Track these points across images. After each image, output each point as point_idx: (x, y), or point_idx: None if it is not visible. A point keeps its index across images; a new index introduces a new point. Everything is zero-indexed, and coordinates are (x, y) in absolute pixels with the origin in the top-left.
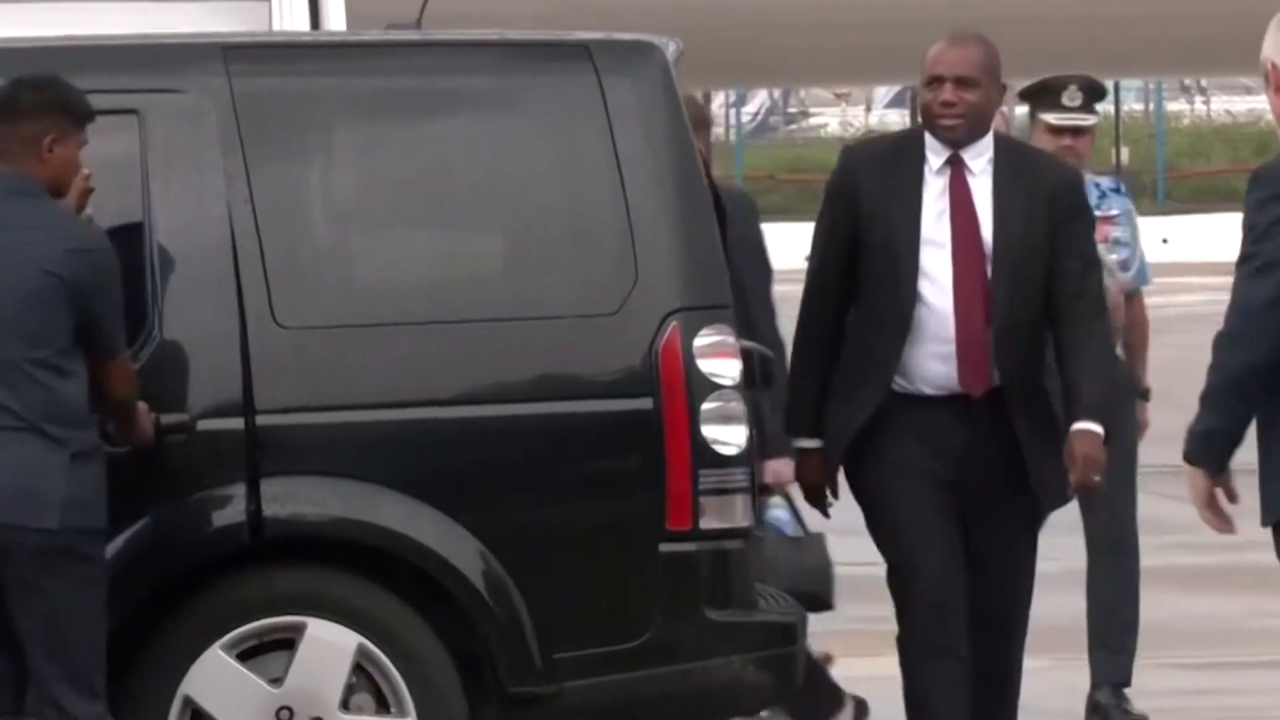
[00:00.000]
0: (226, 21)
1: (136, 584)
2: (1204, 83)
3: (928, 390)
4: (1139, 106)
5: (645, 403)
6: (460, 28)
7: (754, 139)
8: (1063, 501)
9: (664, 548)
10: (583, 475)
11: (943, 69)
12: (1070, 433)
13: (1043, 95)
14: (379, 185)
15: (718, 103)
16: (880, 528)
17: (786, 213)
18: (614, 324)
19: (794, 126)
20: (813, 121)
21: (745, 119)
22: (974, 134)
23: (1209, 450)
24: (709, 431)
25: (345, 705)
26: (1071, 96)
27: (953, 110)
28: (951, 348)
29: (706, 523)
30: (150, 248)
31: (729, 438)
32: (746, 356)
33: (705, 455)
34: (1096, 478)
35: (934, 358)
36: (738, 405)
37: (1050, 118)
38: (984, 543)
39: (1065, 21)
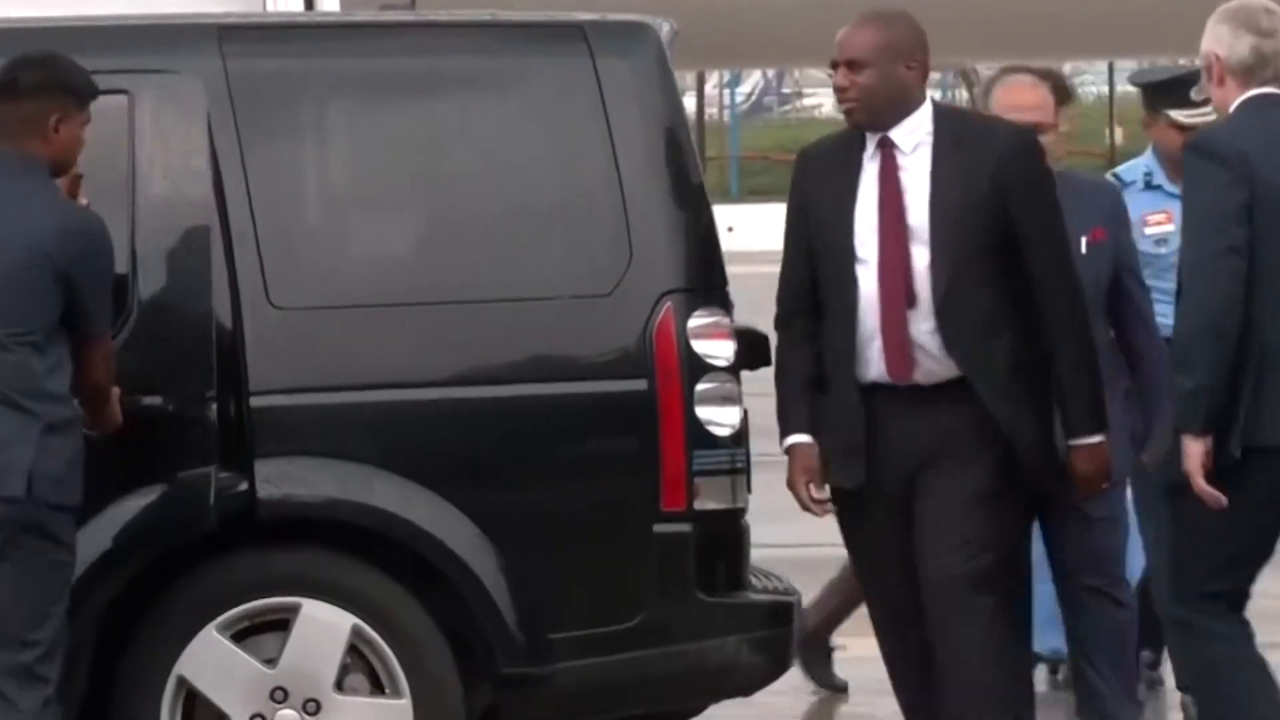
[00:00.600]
0: (221, 2)
1: (126, 565)
2: (1198, 63)
3: (880, 380)
4: (1133, 88)
5: (639, 384)
6: (454, 8)
7: (748, 119)
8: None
9: (658, 529)
10: (577, 456)
11: (836, 53)
12: (1068, 450)
13: (1172, 92)
14: (373, 166)
15: (711, 83)
16: (852, 558)
17: (780, 193)
18: (608, 305)
19: (788, 107)
20: (806, 102)
21: (739, 99)
22: (878, 116)
23: (1193, 409)
24: (704, 412)
25: (339, 686)
26: (1200, 91)
27: (846, 95)
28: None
29: (701, 504)
30: (145, 229)
31: (724, 419)
32: (741, 337)
33: (700, 436)
34: (1105, 485)
35: (872, 347)
36: (732, 386)
37: (1181, 116)
38: (927, 513)
39: (1062, 2)
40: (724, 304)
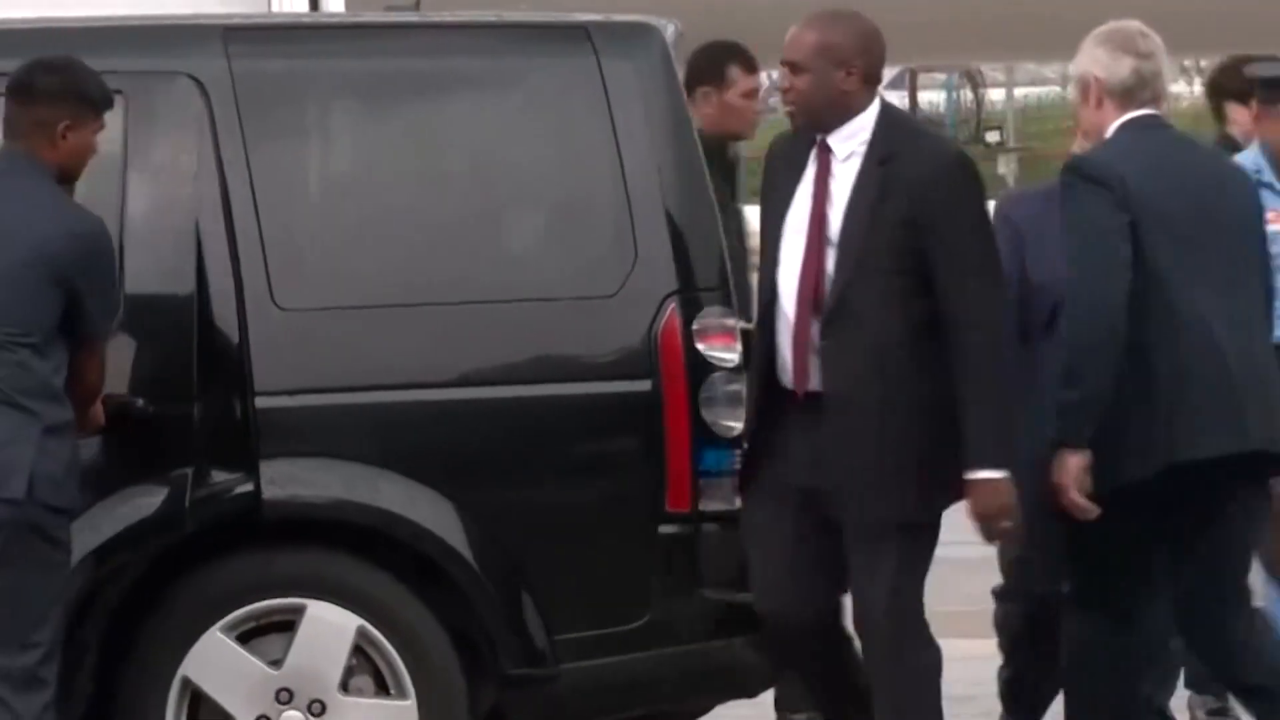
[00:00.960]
0: (226, 3)
1: (131, 566)
2: (1202, 64)
3: (788, 384)
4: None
5: (644, 384)
6: (459, 9)
7: None
8: (879, 521)
9: (663, 529)
10: (582, 457)
11: (782, 53)
12: (966, 485)
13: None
14: (378, 167)
15: None
16: (741, 535)
17: None
18: (613, 306)
19: None
20: None
21: None
22: (816, 120)
23: (1079, 422)
24: (708, 413)
25: (344, 687)
26: None
27: (787, 96)
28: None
29: (706, 504)
30: (137, 230)
31: (728, 419)
32: (746, 338)
33: (705, 437)
34: (1006, 524)
35: (785, 351)
36: (737, 387)
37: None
38: (848, 551)
39: (1065, 2)
40: (729, 304)
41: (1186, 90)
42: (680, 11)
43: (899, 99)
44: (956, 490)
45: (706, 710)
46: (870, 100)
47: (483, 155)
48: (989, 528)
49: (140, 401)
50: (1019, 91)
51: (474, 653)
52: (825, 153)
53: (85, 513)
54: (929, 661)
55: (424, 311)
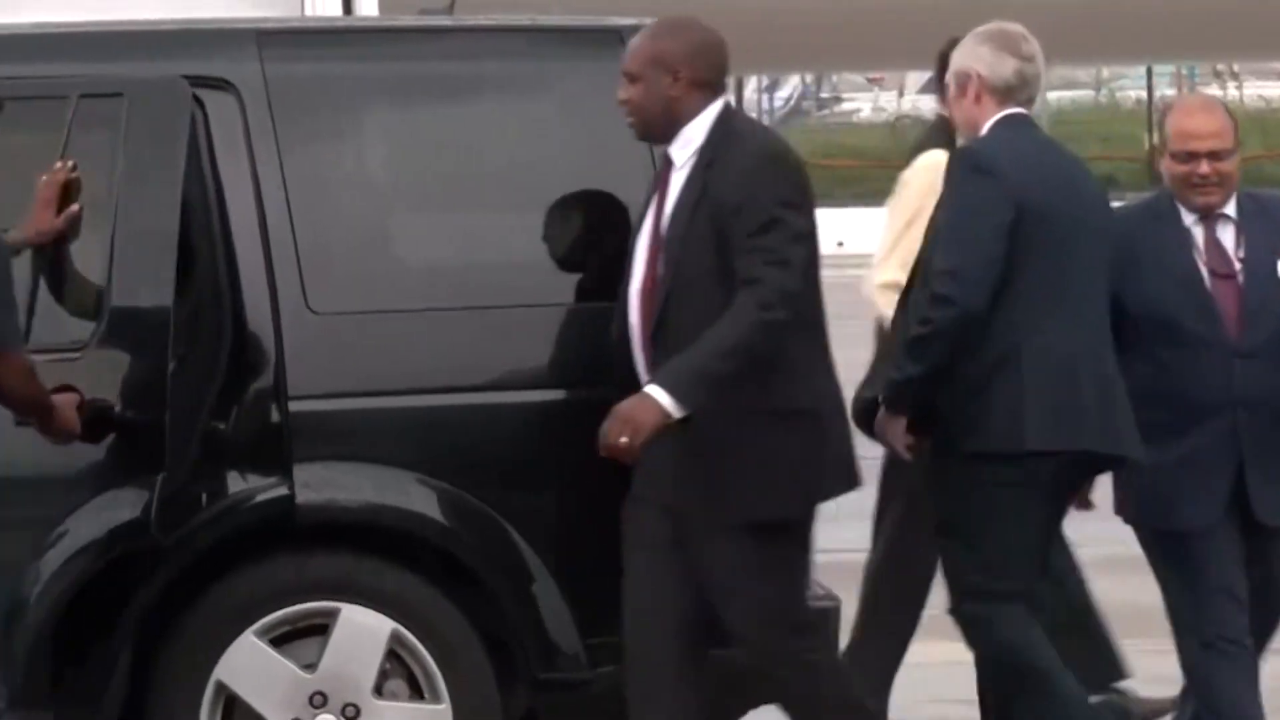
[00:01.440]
0: (259, 7)
1: (166, 569)
2: (1237, 68)
3: None
4: (1171, 92)
5: None
6: (493, 12)
7: (786, 124)
8: (743, 519)
9: None
10: (615, 461)
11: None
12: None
13: None
14: (412, 171)
15: (750, 88)
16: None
17: (820, 197)
18: None
19: (826, 112)
20: (845, 107)
21: (778, 104)
22: (651, 130)
23: (907, 395)
24: None
25: (378, 691)
26: None
27: (624, 107)
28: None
29: None
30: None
31: None
32: None
33: None
34: (623, 439)
35: (639, 363)
36: None
37: None
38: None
39: (1099, 4)
40: None
41: (1220, 94)
42: (712, 15)
43: (934, 102)
44: (806, 491)
45: (741, 714)
46: (703, 106)
47: (516, 159)
48: (611, 432)
49: (118, 408)
50: (1051, 95)
51: (507, 657)
52: (667, 163)
53: (52, 522)
54: (814, 649)
55: (457, 315)
